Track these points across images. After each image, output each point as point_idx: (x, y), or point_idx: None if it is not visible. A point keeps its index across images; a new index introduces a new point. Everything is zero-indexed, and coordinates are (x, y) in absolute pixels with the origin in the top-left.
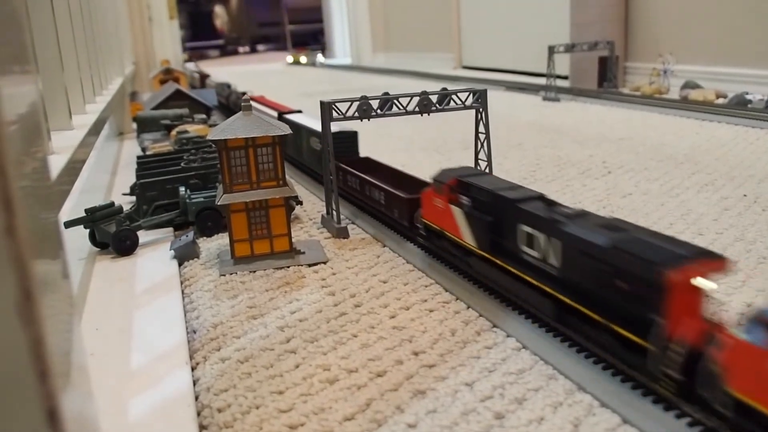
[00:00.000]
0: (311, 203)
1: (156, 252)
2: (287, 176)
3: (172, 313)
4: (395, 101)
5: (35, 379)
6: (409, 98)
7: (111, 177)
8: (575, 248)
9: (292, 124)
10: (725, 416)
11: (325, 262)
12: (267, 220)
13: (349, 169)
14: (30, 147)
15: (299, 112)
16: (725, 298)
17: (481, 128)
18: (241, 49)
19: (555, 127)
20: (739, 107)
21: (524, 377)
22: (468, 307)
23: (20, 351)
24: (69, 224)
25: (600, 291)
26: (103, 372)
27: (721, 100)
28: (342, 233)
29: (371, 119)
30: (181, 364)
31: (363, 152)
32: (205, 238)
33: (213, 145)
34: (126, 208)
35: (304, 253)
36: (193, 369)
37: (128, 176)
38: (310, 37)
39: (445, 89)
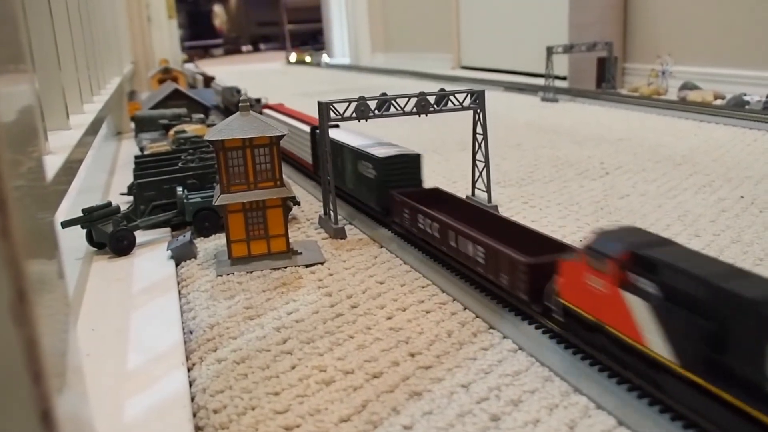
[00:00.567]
0: (309, 203)
1: (153, 252)
2: (285, 177)
3: (168, 313)
4: (393, 102)
5: (29, 380)
6: (407, 99)
7: (109, 177)
8: None
9: (332, 143)
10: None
11: (322, 263)
12: (264, 220)
13: (420, 206)
14: (25, 147)
15: (336, 126)
16: None
17: (479, 129)
18: (244, 48)
19: (553, 128)
20: (737, 108)
21: (520, 379)
22: (465, 309)
23: (14, 352)
24: (66, 224)
25: None
26: (99, 372)
27: (719, 102)
28: (339, 234)
29: (369, 120)
30: (178, 364)
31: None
32: (202, 238)
33: (210, 146)
34: (123, 208)
35: (301, 253)
36: (189, 370)
37: (126, 176)
38: (309, 36)
39: (442, 90)
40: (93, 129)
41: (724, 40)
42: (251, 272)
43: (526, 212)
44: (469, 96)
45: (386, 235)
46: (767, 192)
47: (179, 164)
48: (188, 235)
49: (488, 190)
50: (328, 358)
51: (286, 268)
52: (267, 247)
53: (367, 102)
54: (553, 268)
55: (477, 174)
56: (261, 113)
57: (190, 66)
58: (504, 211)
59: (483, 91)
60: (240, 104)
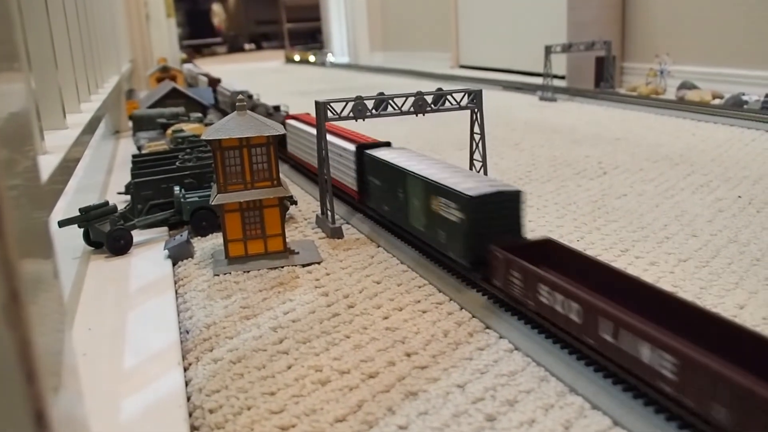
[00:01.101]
0: (306, 203)
1: (150, 251)
2: (282, 176)
3: (165, 313)
4: (390, 101)
5: (23, 380)
6: (404, 98)
7: (106, 176)
8: None
9: (390, 168)
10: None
11: (319, 263)
12: (261, 220)
13: (547, 274)
14: (20, 146)
15: (387, 144)
16: (717, 300)
17: (477, 128)
18: (247, 46)
19: (551, 127)
20: (736, 108)
21: (516, 379)
22: (461, 308)
23: (7, 353)
24: (63, 223)
25: None
26: (96, 372)
27: (717, 101)
28: (336, 233)
29: (366, 119)
30: (174, 364)
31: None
32: (199, 237)
33: (208, 145)
34: (121, 207)
35: (298, 253)
36: (185, 369)
37: (124, 175)
38: (308, 35)
39: (440, 89)
40: (90, 128)
41: (723, 40)
42: (248, 272)
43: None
44: (466, 95)
45: (384, 235)
46: (765, 192)
47: (177, 163)
48: (185, 234)
49: None
50: (324, 358)
51: (283, 267)
52: (264, 247)
53: (365, 101)
54: None
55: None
56: (284, 125)
57: (190, 66)
58: None
59: (480, 91)
60: (237, 103)
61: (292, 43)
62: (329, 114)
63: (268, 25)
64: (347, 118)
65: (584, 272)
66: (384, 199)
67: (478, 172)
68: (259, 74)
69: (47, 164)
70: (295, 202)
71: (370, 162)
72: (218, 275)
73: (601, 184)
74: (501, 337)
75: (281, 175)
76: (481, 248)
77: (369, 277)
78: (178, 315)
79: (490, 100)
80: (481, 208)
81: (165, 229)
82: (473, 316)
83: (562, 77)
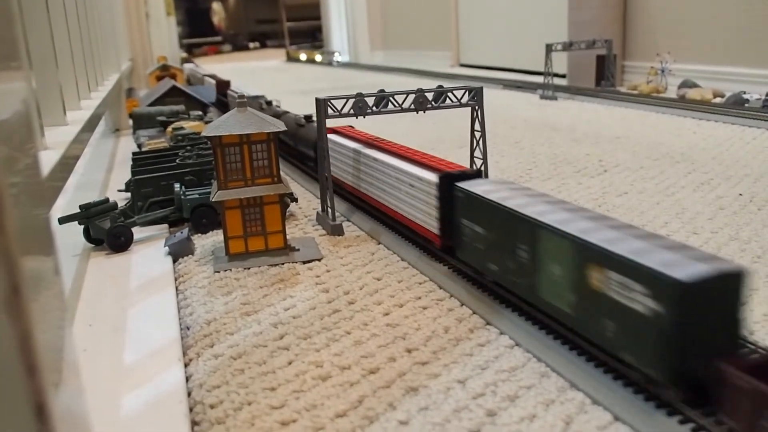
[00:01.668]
0: (307, 200)
1: (150, 248)
2: (282, 173)
3: (165, 309)
4: (391, 98)
5: (23, 374)
6: (404, 95)
7: (106, 173)
8: None
9: (505, 213)
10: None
11: (319, 260)
12: (261, 216)
13: None
14: (21, 143)
15: (477, 175)
16: None
17: (477, 126)
18: (251, 45)
19: (552, 126)
20: (737, 107)
21: (517, 375)
22: (462, 305)
23: (8, 346)
24: (63, 220)
25: None
26: (96, 368)
27: (718, 100)
28: (337, 230)
29: (367, 116)
30: (174, 360)
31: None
32: (199, 234)
33: (208, 142)
34: (121, 204)
35: (298, 250)
36: (186, 365)
37: (124, 172)
38: (308, 34)
39: (440, 87)
40: (90, 125)
41: (724, 39)
42: (248, 268)
43: None
44: (467, 93)
45: (384, 232)
46: (766, 190)
47: (177, 161)
48: (185, 231)
49: None
50: (325, 354)
51: (283, 264)
52: (264, 244)
53: (365, 99)
54: None
55: None
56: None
57: (192, 66)
58: None
59: (481, 88)
60: (237, 100)
61: (292, 42)
62: (329, 111)
63: (268, 24)
64: (348, 115)
65: None
66: (490, 255)
67: (479, 169)
68: (259, 73)
69: (47, 160)
70: (295, 200)
71: (467, 201)
72: (219, 272)
73: (601, 182)
74: (501, 333)
75: (281, 172)
76: (689, 358)
77: (369, 274)
78: (179, 311)
79: (491, 98)
80: (696, 300)
81: (165, 226)
82: (474, 313)
83: (563, 76)
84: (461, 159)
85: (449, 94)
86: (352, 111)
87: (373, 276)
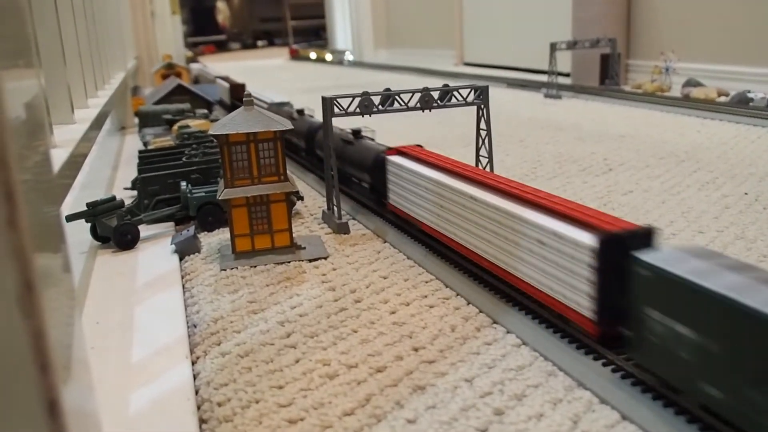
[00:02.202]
0: (312, 198)
1: (157, 246)
2: (288, 171)
3: (172, 307)
4: (396, 97)
5: (36, 371)
6: (410, 94)
7: (113, 171)
8: None
9: (715, 301)
10: None
11: (325, 258)
12: (268, 215)
13: None
14: (32, 140)
15: (648, 235)
16: None
17: (483, 125)
18: (260, 43)
19: (556, 124)
20: (741, 105)
21: (524, 373)
22: (468, 303)
23: (21, 343)
24: (70, 218)
25: None
26: (104, 365)
27: (722, 99)
28: (343, 229)
29: (372, 115)
30: (182, 358)
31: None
32: (206, 232)
33: (214, 140)
34: (127, 202)
35: (304, 248)
36: (193, 363)
37: (130, 170)
38: (312, 32)
39: (446, 86)
40: (97, 123)
41: (728, 37)
42: (255, 266)
43: None
44: (472, 92)
45: (390, 230)
46: None
47: (183, 159)
48: (192, 229)
49: None
50: (332, 352)
51: (289, 262)
52: (271, 242)
53: (371, 97)
54: None
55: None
56: (383, 163)
57: (199, 66)
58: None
59: (487, 87)
60: (244, 98)
61: (296, 40)
62: (336, 110)
63: (273, 22)
64: (354, 113)
65: None
66: (708, 373)
67: (484, 168)
68: (262, 71)
69: (56, 158)
70: (301, 198)
71: (660, 284)
72: (225, 270)
73: (606, 181)
74: (508, 332)
75: (288, 171)
76: None
77: (376, 272)
78: (186, 309)
79: (495, 97)
80: None
81: (171, 224)
82: (480, 311)
83: (567, 74)
84: (467, 157)
85: (455, 93)
86: (358, 110)
87: (380, 274)
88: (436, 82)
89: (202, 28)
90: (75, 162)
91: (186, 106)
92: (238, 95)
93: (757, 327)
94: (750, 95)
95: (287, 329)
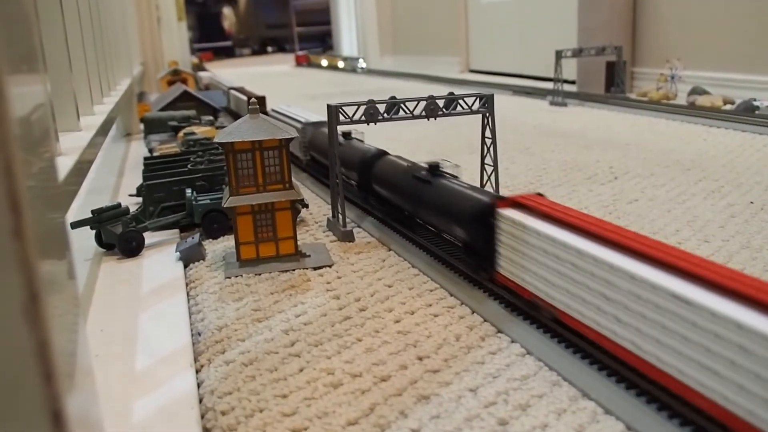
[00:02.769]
0: (317, 206)
1: (162, 254)
2: (294, 179)
3: (177, 315)
4: (402, 105)
5: (40, 380)
6: (416, 102)
7: (118, 178)
8: None
9: None
10: None
11: (330, 266)
12: (273, 222)
13: None
14: (38, 148)
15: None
16: None
17: (488, 133)
18: (269, 49)
19: (562, 132)
20: (747, 114)
21: (528, 383)
22: (473, 312)
23: (26, 352)
24: (75, 225)
25: None
26: (108, 373)
27: (728, 107)
28: (347, 237)
29: (378, 123)
30: (186, 366)
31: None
32: (210, 240)
33: (220, 148)
34: (132, 209)
35: (309, 256)
36: (197, 371)
37: (135, 177)
38: (318, 39)
39: (452, 94)
40: (103, 130)
41: (734, 45)
42: (259, 274)
43: None
44: (478, 100)
45: (395, 238)
46: None
47: (188, 166)
48: (197, 236)
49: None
50: (336, 361)
51: (294, 270)
52: (275, 250)
53: (376, 105)
54: None
55: (486, 177)
56: (491, 216)
57: (209, 75)
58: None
59: (492, 95)
60: (249, 106)
61: (302, 47)
62: (341, 117)
63: (279, 28)
64: (359, 121)
65: None
66: None
67: (489, 176)
68: (267, 78)
69: (62, 166)
70: (306, 206)
71: None
72: (230, 278)
73: (612, 189)
74: (513, 342)
75: (293, 179)
76: None
77: (380, 281)
78: (190, 317)
79: (500, 104)
80: None
81: (176, 231)
82: (485, 320)
83: (573, 82)
84: (472, 164)
85: (460, 101)
86: (363, 117)
87: (384, 283)
88: (442, 89)
89: (208, 34)
90: (80, 169)
91: (192, 112)
92: (263, 108)
93: None
94: (756, 103)
95: (291, 338)
